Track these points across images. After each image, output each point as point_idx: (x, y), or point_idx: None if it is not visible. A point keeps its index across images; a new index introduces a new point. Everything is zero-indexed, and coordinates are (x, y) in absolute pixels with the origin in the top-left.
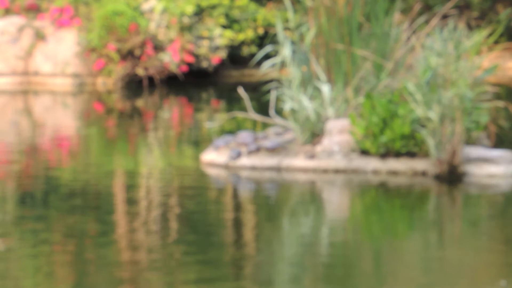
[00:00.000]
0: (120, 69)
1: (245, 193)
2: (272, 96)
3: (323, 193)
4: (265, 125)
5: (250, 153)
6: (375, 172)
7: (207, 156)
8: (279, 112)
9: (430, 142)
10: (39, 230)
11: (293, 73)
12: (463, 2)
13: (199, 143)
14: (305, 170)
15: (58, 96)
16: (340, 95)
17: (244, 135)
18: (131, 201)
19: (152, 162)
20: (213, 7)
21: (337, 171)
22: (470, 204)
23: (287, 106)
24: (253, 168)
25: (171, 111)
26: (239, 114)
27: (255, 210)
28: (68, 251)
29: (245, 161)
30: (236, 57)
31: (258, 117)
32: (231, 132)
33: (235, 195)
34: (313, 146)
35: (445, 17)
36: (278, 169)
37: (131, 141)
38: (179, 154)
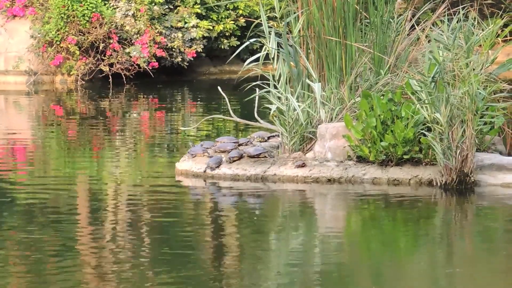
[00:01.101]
0: (81, 66)
1: (226, 206)
2: (256, 96)
3: (314, 205)
4: (248, 129)
5: (232, 161)
6: (374, 181)
7: (182, 165)
8: (264, 114)
9: (437, 148)
10: None
11: (279, 69)
12: None
13: (173, 150)
14: (294, 179)
15: (10, 97)
16: (333, 94)
17: (224, 141)
18: (95, 218)
19: (119, 172)
20: None
21: (330, 180)
22: (483, 217)
23: (273, 107)
24: (235, 178)
25: (141, 113)
26: (218, 117)
27: (237, 225)
28: (25, 270)
29: (225, 170)
30: (214, 51)
31: (240, 120)
32: (209, 137)
33: (215, 209)
34: (303, 153)
35: (454, 4)
36: (263, 178)
37: (95, 149)
38: (150, 163)
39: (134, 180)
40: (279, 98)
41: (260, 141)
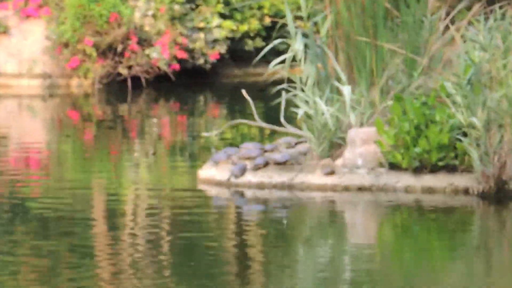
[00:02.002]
0: (98, 68)
1: (251, 216)
2: (282, 99)
3: (344, 215)
4: (274, 135)
5: (257, 168)
6: (407, 190)
7: (205, 173)
8: (291, 119)
9: (474, 154)
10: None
11: (306, 71)
12: None
13: (196, 157)
14: (322, 188)
15: (24, 101)
16: (364, 97)
17: (249, 147)
18: (113, 228)
19: (139, 181)
20: None
21: (361, 189)
22: None
23: (300, 111)
24: (261, 186)
25: (161, 118)
26: (243, 122)
27: (264, 237)
28: (39, 279)
29: (250, 178)
30: (238, 53)
31: (266, 125)
32: (234, 143)
33: (239, 219)
34: (332, 160)
35: (490, 2)
36: (290, 187)
37: (113, 156)
38: (171, 171)
39: (154, 188)
40: (306, 102)
41: (287, 147)
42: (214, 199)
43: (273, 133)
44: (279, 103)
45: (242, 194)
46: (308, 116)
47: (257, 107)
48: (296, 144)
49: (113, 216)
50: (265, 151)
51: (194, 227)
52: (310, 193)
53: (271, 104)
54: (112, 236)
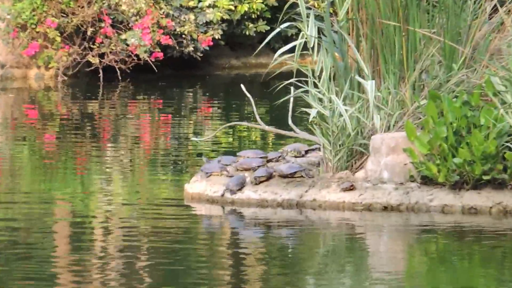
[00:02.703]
0: (63, 56)
1: (250, 242)
2: (291, 97)
3: (366, 241)
4: (279, 141)
5: (258, 182)
6: (445, 210)
7: (193, 187)
8: (301, 121)
9: None
10: None
11: (321, 63)
12: None
13: (181, 167)
14: (340, 206)
15: None
16: (391, 95)
17: (248, 156)
18: (77, 257)
19: (110, 197)
20: None
21: (387, 208)
22: None
23: (312, 112)
24: (262, 204)
25: (140, 118)
26: (241, 124)
27: (266, 267)
28: None
29: (250, 193)
30: (236, 39)
31: (270, 129)
32: (230, 151)
33: (236, 245)
34: (351, 172)
35: None
36: (299, 205)
37: (81, 165)
38: (151, 184)
39: (130, 207)
40: (320, 100)
41: (296, 156)
42: (204, 221)
43: (279, 138)
44: (287, 102)
45: (239, 214)
46: (322, 117)
47: (259, 106)
48: (306, 152)
49: (77, 240)
50: (269, 160)
51: (178, 256)
52: (324, 213)
53: (276, 102)
54: (74, 271)
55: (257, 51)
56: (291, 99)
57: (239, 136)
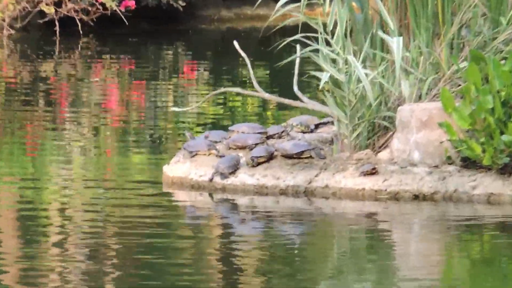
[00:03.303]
0: (10, 4)
1: (246, 239)
2: (297, 58)
3: (392, 238)
4: (282, 112)
5: (256, 163)
6: (491, 199)
7: (173, 169)
8: (309, 87)
9: None
10: None
11: (334, 15)
12: None
13: (159, 144)
14: (358, 195)
15: None
16: (423, 56)
17: (243, 130)
18: (29, 256)
19: (72, 179)
20: None
21: (418, 197)
22: None
23: (324, 76)
24: (261, 191)
25: (107, 83)
26: (234, 91)
27: (266, 270)
28: None
29: (245, 178)
30: None
31: (270, 97)
32: (219, 124)
33: (228, 244)
34: (373, 152)
35: None
36: (308, 193)
37: (32, 141)
38: (122, 166)
39: (95, 194)
40: (333, 61)
41: (303, 132)
42: (188, 211)
43: (282, 108)
44: (291, 64)
45: (232, 204)
46: (335, 83)
47: (256, 68)
48: (316, 126)
49: (27, 235)
50: (269, 136)
51: (153, 258)
52: (339, 203)
53: (278, 64)
54: (26, 269)
55: None
56: (297, 60)
57: (231, 107)
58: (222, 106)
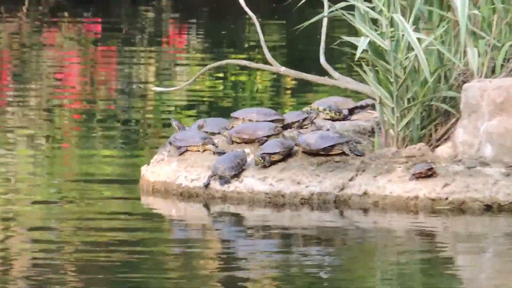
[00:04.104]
0: None
1: (253, 266)
2: (323, 17)
3: (458, 264)
4: (304, 93)
5: (268, 162)
6: None
7: (157, 171)
8: (340, 59)
9: None
10: None
11: None
12: None
13: (137, 138)
14: (409, 204)
15: None
16: (498, 15)
17: (251, 117)
18: None
19: (17, 187)
20: None
21: (491, 207)
22: None
23: (361, 42)
24: (275, 201)
25: (64, 51)
26: (237, 63)
27: None
28: None
29: (253, 182)
30: None
31: (288, 72)
32: (218, 110)
33: (232, 280)
34: (429, 146)
35: None
36: (339, 201)
37: None
38: (86, 166)
39: (49, 205)
40: (374, 22)
41: (332, 119)
42: (176, 232)
43: (303, 87)
44: (316, 25)
45: (236, 219)
46: (377, 52)
47: (268, 32)
48: (351, 111)
49: None
50: (286, 126)
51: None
52: (382, 217)
53: (298, 27)
54: None
55: None
56: (325, 21)
57: (234, 85)
58: (221, 84)
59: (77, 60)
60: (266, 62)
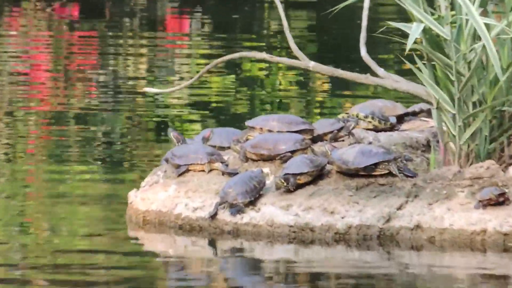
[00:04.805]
0: None
1: None
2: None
3: None
4: (338, 96)
5: (293, 185)
6: None
7: (149, 198)
8: (385, 49)
9: None
10: None
11: None
12: None
13: (124, 154)
14: (475, 241)
15: None
16: None
17: (271, 128)
18: None
19: None
20: None
21: None
22: None
23: (414, 30)
24: (302, 236)
25: (30, 38)
26: (254, 56)
27: None
28: None
29: (274, 212)
30: None
31: (317, 67)
32: (230, 116)
33: None
34: (501, 164)
35: None
36: (384, 237)
37: None
38: (55, 188)
39: (7, 240)
40: (430, 3)
41: (376, 129)
42: (171, 277)
43: (338, 88)
44: (354, 8)
45: (251, 260)
46: (433, 41)
47: (294, 18)
48: (400, 119)
49: None
50: (316, 138)
51: None
52: (440, 257)
53: (331, 10)
54: None
55: None
56: (366, 3)
57: (249, 85)
58: (233, 83)
59: (46, 50)
60: (290, 55)
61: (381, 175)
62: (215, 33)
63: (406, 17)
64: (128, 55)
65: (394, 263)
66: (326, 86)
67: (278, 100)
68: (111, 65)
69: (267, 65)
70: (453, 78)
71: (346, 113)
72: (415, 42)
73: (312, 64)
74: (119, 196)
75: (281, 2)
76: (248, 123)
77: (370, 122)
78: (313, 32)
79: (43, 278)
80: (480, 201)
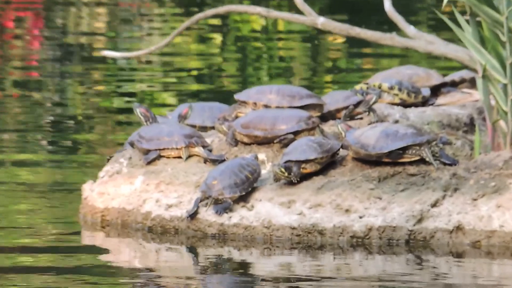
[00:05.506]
0: None
1: None
2: None
3: None
4: (355, 60)
5: (297, 174)
6: None
7: (108, 192)
8: (418, 6)
9: None
10: None
11: None
12: None
13: (75, 136)
14: None
15: None
16: None
17: (268, 103)
18: None
19: None
20: None
21: None
22: None
23: None
24: (308, 240)
25: None
26: (246, 11)
27: None
28: None
29: (272, 209)
30: None
31: (327, 23)
32: (214, 88)
33: None
34: None
35: None
36: (414, 241)
37: None
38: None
39: None
40: None
41: (404, 103)
42: None
43: (354, 51)
44: None
45: (242, 270)
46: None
47: None
48: (434, 91)
49: None
50: (324, 115)
51: None
52: (488, 267)
53: None
54: None
55: None
56: None
57: (238, 49)
58: (218, 47)
59: None
60: (294, 9)
61: (411, 163)
62: None
63: None
64: (84, 4)
65: (428, 274)
66: (340, 49)
67: (276, 66)
68: (59, 22)
69: (262, 23)
70: (503, 39)
71: (366, 83)
72: None
73: (321, 21)
74: (70, 189)
75: None
76: (238, 96)
77: (396, 95)
78: None
79: None
80: None
